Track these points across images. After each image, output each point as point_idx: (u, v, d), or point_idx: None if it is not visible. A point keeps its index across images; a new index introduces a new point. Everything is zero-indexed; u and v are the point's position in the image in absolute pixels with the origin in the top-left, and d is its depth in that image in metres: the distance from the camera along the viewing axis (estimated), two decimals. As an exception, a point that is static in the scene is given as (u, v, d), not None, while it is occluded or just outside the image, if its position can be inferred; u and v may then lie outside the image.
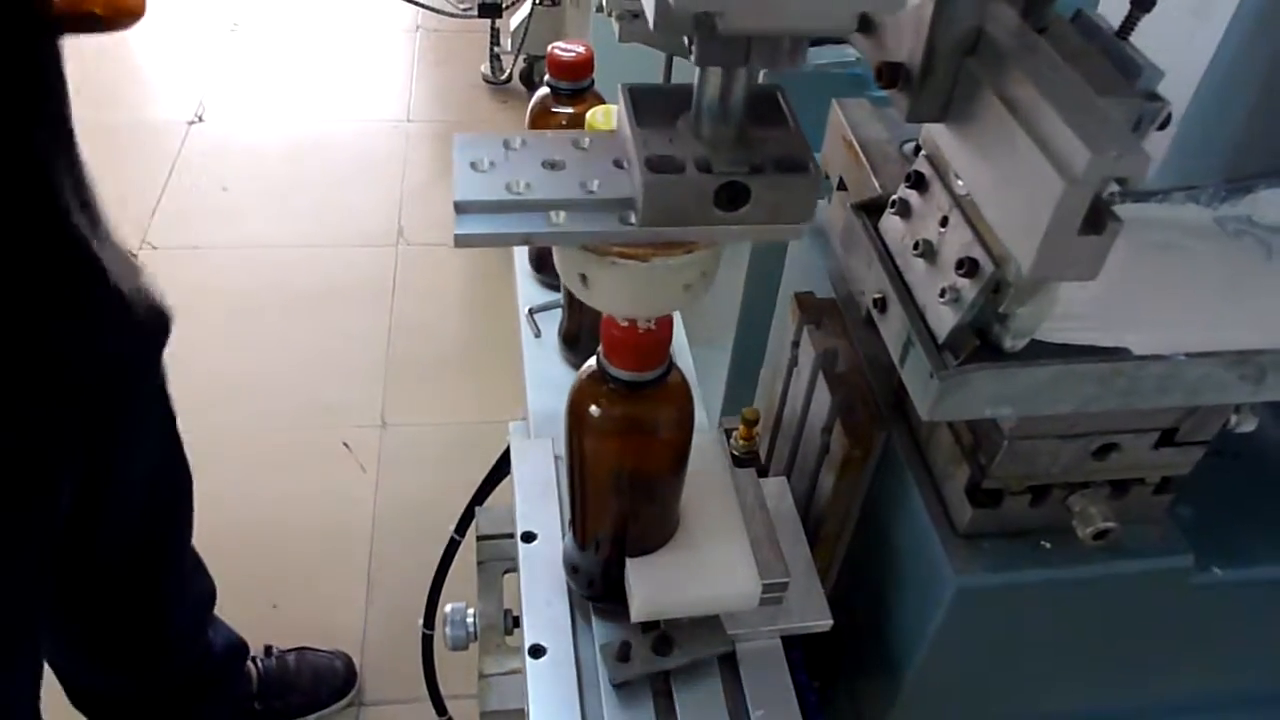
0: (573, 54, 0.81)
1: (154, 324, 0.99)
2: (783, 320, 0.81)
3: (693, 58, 0.46)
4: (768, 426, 0.86)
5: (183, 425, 2.09)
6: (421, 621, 1.20)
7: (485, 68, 2.86)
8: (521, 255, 1.03)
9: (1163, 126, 0.50)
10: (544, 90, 0.83)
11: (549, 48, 0.83)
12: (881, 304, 0.57)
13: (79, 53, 0.83)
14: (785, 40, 0.47)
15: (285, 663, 1.56)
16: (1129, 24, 0.51)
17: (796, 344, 0.77)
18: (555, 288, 0.97)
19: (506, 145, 0.52)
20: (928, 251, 0.56)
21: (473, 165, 0.51)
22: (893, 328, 0.56)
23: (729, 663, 0.67)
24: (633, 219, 0.49)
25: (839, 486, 0.71)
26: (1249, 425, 0.60)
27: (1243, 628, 0.69)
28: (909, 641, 0.67)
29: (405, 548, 1.76)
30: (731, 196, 0.49)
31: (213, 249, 2.36)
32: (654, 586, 0.64)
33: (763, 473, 0.79)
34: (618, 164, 0.51)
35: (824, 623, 0.68)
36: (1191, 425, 0.59)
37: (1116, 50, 0.50)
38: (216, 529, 1.78)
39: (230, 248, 2.36)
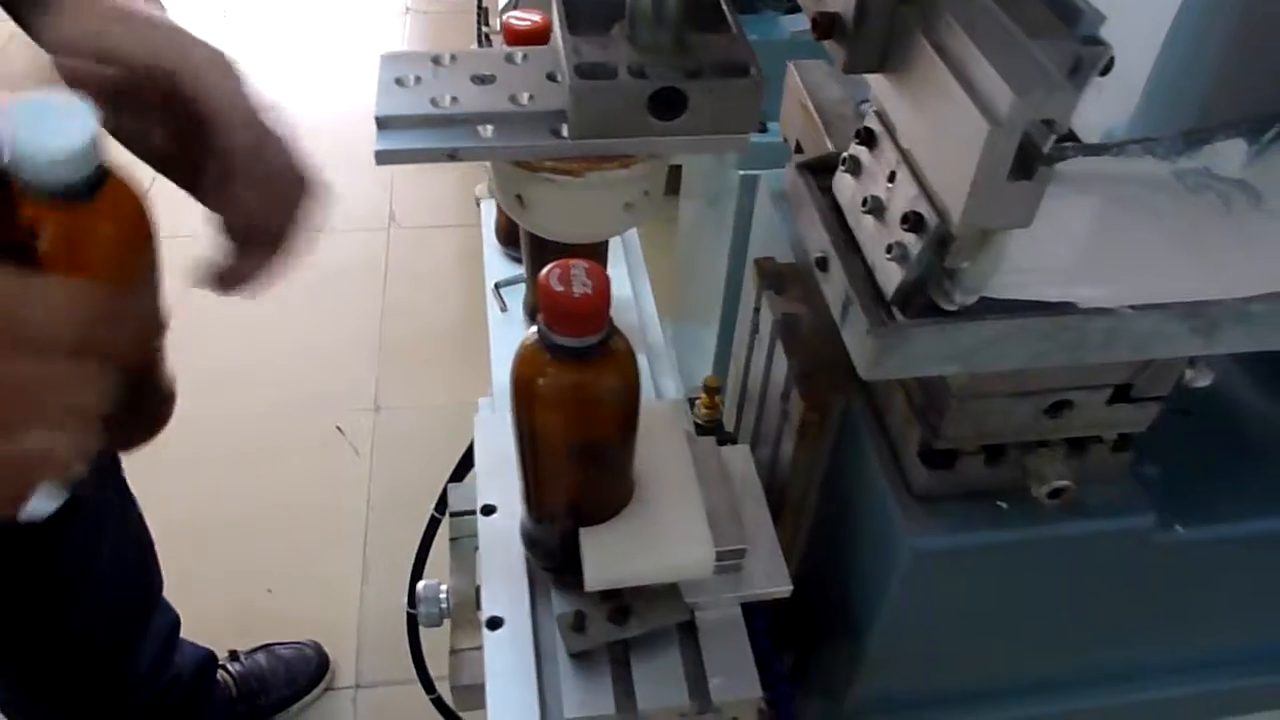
0: (528, 22, 0.80)
1: None
2: (748, 287, 0.80)
3: None
4: (736, 396, 0.85)
5: (175, 412, 2.05)
6: (406, 601, 1.20)
7: (474, 48, 2.84)
8: (490, 230, 1.03)
9: (1105, 71, 0.49)
10: (501, 59, 0.82)
11: (504, 17, 0.81)
12: (823, 263, 0.56)
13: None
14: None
15: (256, 661, 1.55)
16: (1069, -33, 0.50)
17: (757, 310, 0.76)
18: (521, 261, 0.97)
19: (436, 61, 0.50)
20: (876, 208, 0.55)
21: (398, 81, 0.49)
22: (834, 286, 0.55)
23: (689, 631, 0.67)
24: (564, 131, 0.47)
25: (799, 452, 0.70)
26: (1205, 380, 0.58)
27: (1207, 587, 0.68)
28: (869, 607, 0.67)
29: (400, 530, 1.74)
30: (668, 103, 0.46)
31: (205, 237, 2.36)
32: (606, 555, 0.63)
33: (731, 441, 0.78)
34: (551, 77, 0.49)
35: (783, 589, 0.67)
36: (1146, 380, 0.58)
37: (1054, -7, 0.48)
38: (210, 515, 1.79)
39: (222, 235, 2.36)
